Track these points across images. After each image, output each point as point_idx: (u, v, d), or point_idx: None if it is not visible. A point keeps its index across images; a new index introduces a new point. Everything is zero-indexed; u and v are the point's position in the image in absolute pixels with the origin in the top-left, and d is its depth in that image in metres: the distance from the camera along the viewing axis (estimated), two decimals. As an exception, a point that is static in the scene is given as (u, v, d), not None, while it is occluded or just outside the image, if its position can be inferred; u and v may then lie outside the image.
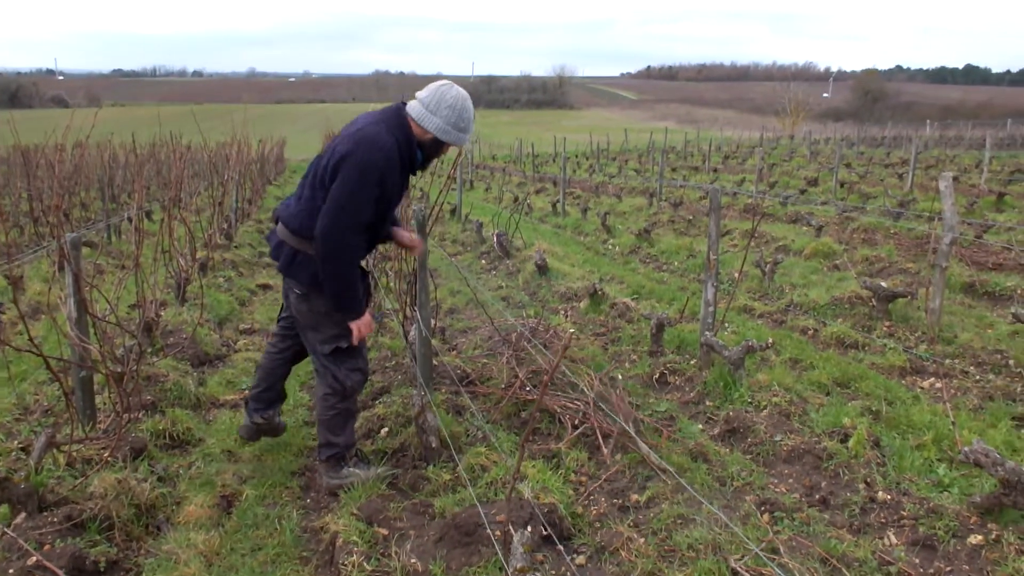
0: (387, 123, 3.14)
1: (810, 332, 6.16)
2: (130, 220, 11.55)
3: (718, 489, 3.53)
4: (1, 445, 3.91)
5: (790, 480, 3.60)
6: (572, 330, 5.94)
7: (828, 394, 4.67)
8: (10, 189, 14.32)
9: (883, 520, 3.19)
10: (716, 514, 3.06)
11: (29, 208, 11.09)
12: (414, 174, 3.41)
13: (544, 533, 2.98)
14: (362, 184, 3.05)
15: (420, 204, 4.16)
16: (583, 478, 3.68)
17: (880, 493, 3.36)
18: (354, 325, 3.31)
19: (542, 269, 8.04)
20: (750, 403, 4.38)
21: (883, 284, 6.27)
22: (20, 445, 3.91)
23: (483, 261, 9.75)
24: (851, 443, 3.76)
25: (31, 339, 3.05)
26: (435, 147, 3.27)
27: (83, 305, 3.58)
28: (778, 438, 3.90)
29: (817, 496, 3.42)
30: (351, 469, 3.52)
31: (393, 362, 5.29)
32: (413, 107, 3.18)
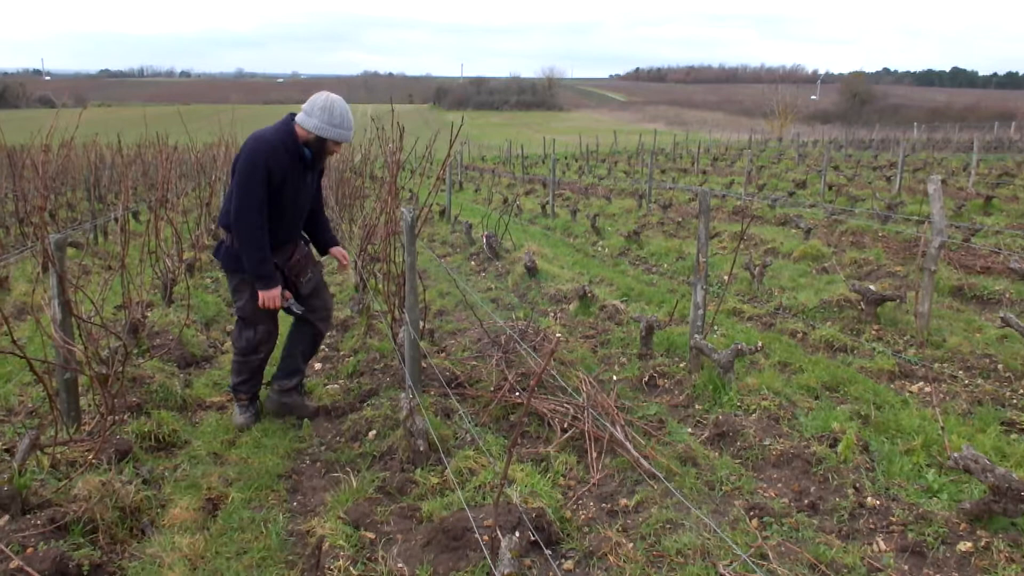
0: (274, 127, 3.88)
1: (799, 335, 6.18)
2: (116, 220, 11.47)
3: (707, 494, 3.52)
4: (-16, 448, 3.86)
5: (779, 485, 3.60)
6: (560, 333, 5.93)
7: (817, 398, 4.68)
8: (-5, 188, 14.17)
9: (872, 526, 3.19)
10: (705, 519, 3.05)
11: (15, 208, 10.99)
12: (310, 169, 4.04)
13: (532, 538, 2.96)
14: (251, 171, 3.76)
15: (409, 205, 4.13)
16: (572, 482, 3.67)
17: (869, 498, 3.36)
18: (261, 294, 3.99)
19: (532, 271, 8.03)
20: (739, 407, 4.38)
21: (872, 287, 6.29)
22: (4, 447, 3.86)
23: (472, 263, 9.72)
24: (840, 448, 3.76)
25: (14, 341, 3.01)
26: (320, 144, 3.90)
27: (67, 306, 3.54)
28: (767, 442, 3.90)
29: (806, 501, 3.41)
30: (235, 406, 4.43)
31: (381, 364, 5.26)
32: (298, 115, 3.86)
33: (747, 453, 3.87)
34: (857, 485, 3.48)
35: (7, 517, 2.86)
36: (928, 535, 3.04)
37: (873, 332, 6.08)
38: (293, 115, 3.92)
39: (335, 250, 4.50)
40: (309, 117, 3.80)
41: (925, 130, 50.18)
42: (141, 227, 10.26)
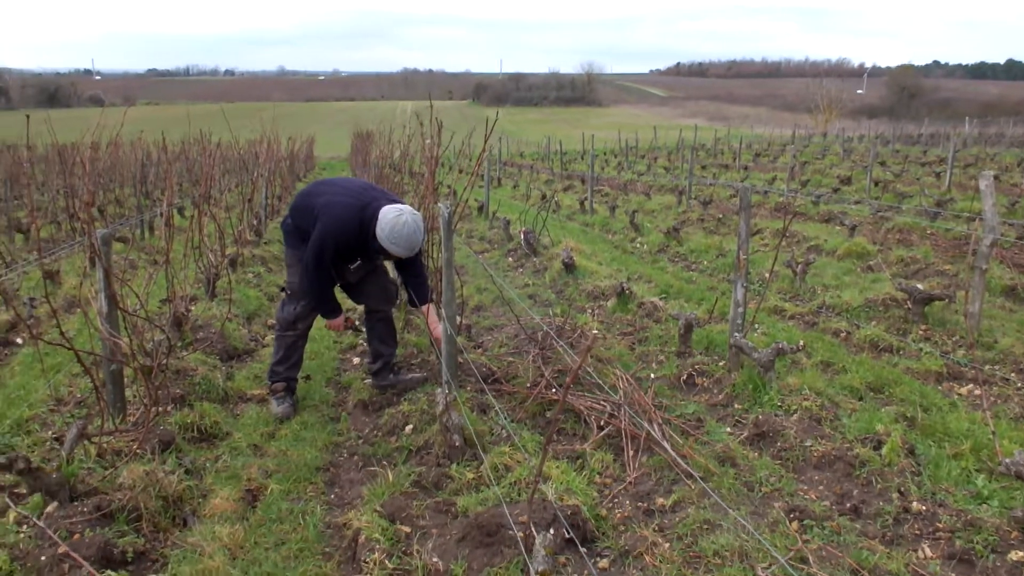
0: (363, 213, 4.21)
1: (843, 335, 6.05)
2: (162, 216, 11.73)
3: (746, 494, 3.46)
4: (36, 435, 3.98)
5: (820, 487, 3.52)
6: (597, 330, 5.89)
7: (861, 399, 4.57)
8: (48, 186, 14.61)
9: (917, 532, 3.10)
10: (743, 521, 3.00)
11: (66, 204, 11.31)
12: (370, 259, 4.49)
13: (567, 536, 2.95)
14: (332, 225, 4.21)
15: (447, 201, 4.14)
16: (608, 480, 3.64)
17: (915, 503, 3.26)
18: (327, 322, 4.60)
19: (569, 267, 7.99)
20: (780, 407, 4.30)
21: (919, 286, 6.12)
22: (54, 436, 3.98)
23: (510, 259, 9.72)
24: (884, 450, 3.66)
25: (62, 333, 3.09)
26: (382, 248, 4.23)
27: (113, 300, 3.62)
28: (808, 443, 3.82)
29: (848, 504, 3.34)
30: (271, 398, 4.63)
31: (419, 359, 5.29)
32: (381, 216, 4.15)
33: (787, 454, 3.80)
34: (902, 489, 3.39)
35: (55, 504, 2.94)
36: (977, 543, 2.95)
37: (920, 332, 5.92)
38: (380, 209, 4.20)
39: (425, 307, 4.73)
40: (381, 226, 4.13)
41: (977, 125, 48.69)
42: (185, 222, 10.47)
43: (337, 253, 4.30)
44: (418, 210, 4.56)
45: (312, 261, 4.25)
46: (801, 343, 4.70)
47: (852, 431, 3.97)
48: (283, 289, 4.72)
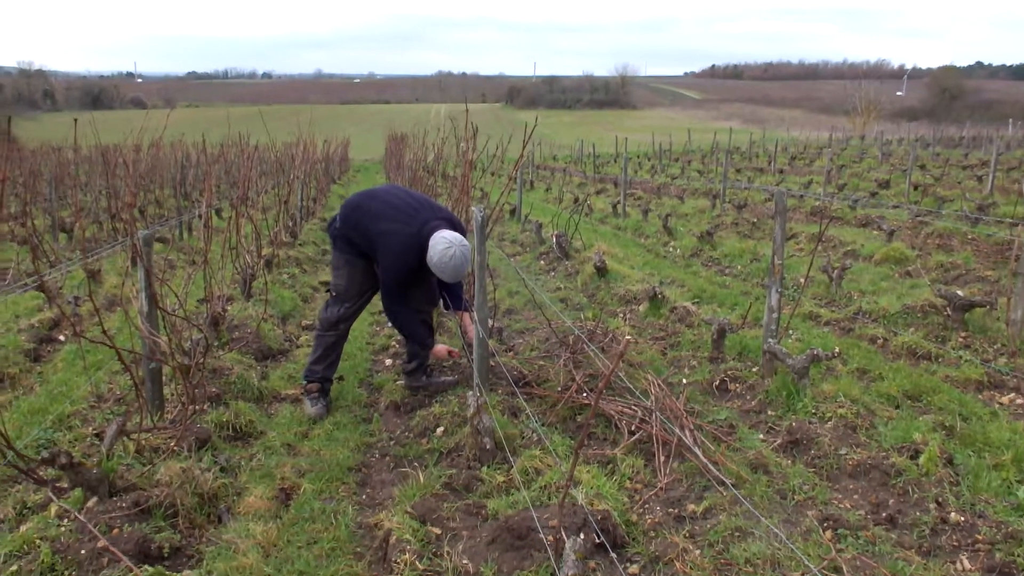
0: (419, 238, 4.31)
1: (879, 341, 5.94)
2: (200, 217, 11.96)
3: (779, 502, 3.42)
4: (77, 431, 4.08)
5: (855, 496, 3.47)
6: (629, 336, 5.86)
7: (898, 407, 4.49)
8: (91, 187, 14.98)
9: (955, 543, 3.04)
10: (775, 529, 2.97)
11: (108, 205, 11.58)
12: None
13: (597, 541, 2.94)
14: (396, 260, 4.37)
15: (480, 204, 4.16)
16: (638, 485, 3.63)
17: (953, 514, 3.20)
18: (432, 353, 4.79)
19: (601, 271, 7.97)
20: (814, 414, 4.24)
21: (959, 292, 5.99)
22: (94, 431, 4.08)
23: (542, 262, 9.73)
24: (922, 460, 3.59)
25: (104, 331, 3.16)
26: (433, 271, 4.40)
27: (153, 300, 3.70)
28: (843, 451, 3.76)
29: (884, 514, 3.28)
30: (305, 398, 4.71)
31: (450, 362, 5.31)
32: (433, 243, 4.25)
33: (821, 462, 3.74)
34: (940, 500, 3.32)
35: (95, 499, 3.01)
36: (1018, 556, 2.88)
37: (960, 340, 5.79)
38: (435, 232, 4.31)
39: (462, 313, 4.87)
40: (431, 253, 4.25)
41: (1021, 127, 47.46)
42: (223, 223, 10.65)
43: (408, 270, 4.47)
44: (452, 211, 4.60)
45: (391, 302, 4.49)
46: (836, 350, 4.63)
47: (888, 440, 3.90)
48: (328, 290, 4.81)
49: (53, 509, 3.06)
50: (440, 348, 4.74)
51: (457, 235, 4.29)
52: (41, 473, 2.95)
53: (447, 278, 4.33)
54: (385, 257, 4.38)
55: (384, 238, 4.36)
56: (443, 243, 4.21)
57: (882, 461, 3.63)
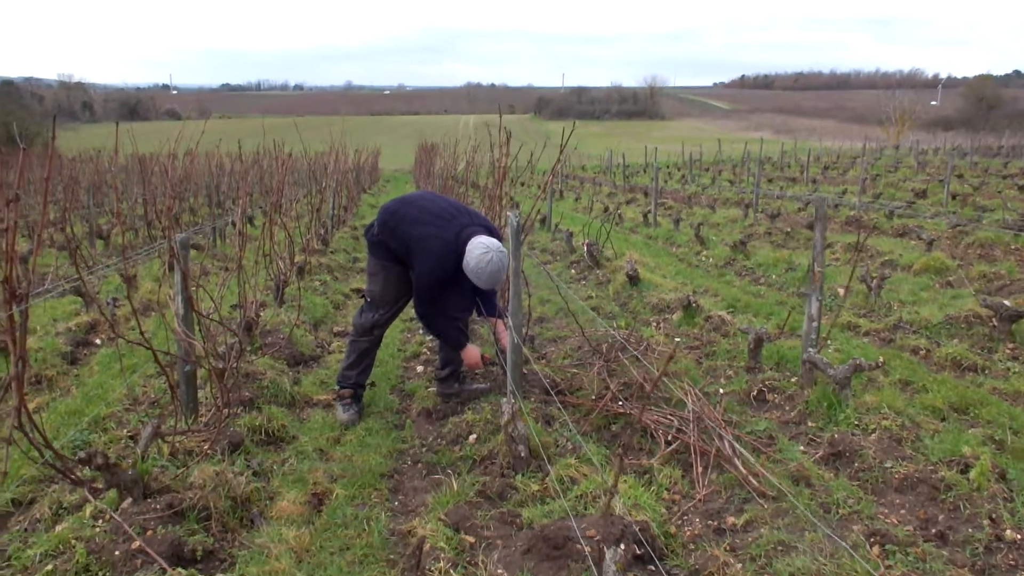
0: (457, 243, 4.27)
1: (922, 352, 5.78)
2: (234, 224, 12.08)
3: (822, 516, 3.32)
4: (112, 433, 4.10)
5: (902, 511, 3.35)
6: (664, 343, 5.76)
7: (943, 419, 4.34)
8: (127, 194, 15.24)
9: (1012, 562, 2.91)
10: (821, 542, 2.87)
11: (144, 212, 11.76)
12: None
13: (636, 552, 2.87)
14: (432, 264, 4.32)
15: (515, 211, 4.12)
16: (676, 496, 3.54)
17: (1008, 531, 3.07)
18: (464, 358, 4.70)
19: (633, 279, 7.88)
20: (856, 425, 4.12)
21: (1006, 302, 5.82)
22: (128, 434, 4.09)
23: (572, 271, 9.66)
24: (973, 474, 3.46)
25: (142, 333, 3.17)
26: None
27: (190, 302, 3.71)
28: (889, 464, 3.64)
29: (934, 530, 3.16)
30: (338, 404, 4.68)
31: (482, 369, 5.27)
32: (469, 248, 4.21)
33: (866, 475, 3.63)
34: (993, 516, 3.19)
35: (130, 500, 3.01)
36: (1079, 576, 2.75)
37: (1007, 351, 5.61)
38: (471, 237, 4.29)
39: (496, 320, 4.83)
40: (468, 259, 4.21)
41: (1063, 136, 46.34)
42: (256, 231, 10.75)
43: (445, 276, 4.45)
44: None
45: (425, 307, 4.44)
46: (880, 360, 4.50)
47: (936, 453, 3.77)
48: (362, 296, 4.80)
49: (88, 510, 3.06)
50: (473, 351, 4.67)
51: (494, 241, 4.23)
52: (78, 473, 2.95)
53: (483, 284, 4.27)
54: (422, 262, 4.34)
55: (421, 243, 4.32)
56: (480, 248, 4.17)
57: (930, 475, 3.51)
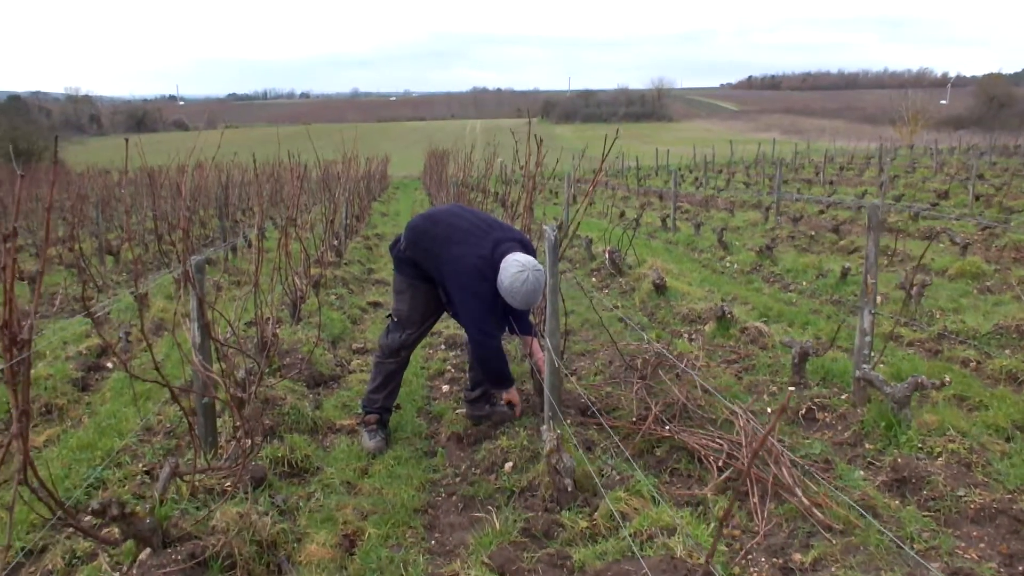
0: (492, 260, 4.02)
1: (972, 364, 5.48)
2: (246, 238, 11.87)
3: (896, 552, 3.04)
4: (126, 468, 3.87)
5: (981, 545, 3.07)
6: (700, 358, 5.50)
7: (1009, 439, 4.05)
8: (137, 208, 15.07)
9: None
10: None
11: (154, 226, 11.56)
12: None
13: (704, 602, 2.60)
14: (470, 285, 4.07)
15: (552, 225, 3.87)
16: (735, 531, 3.27)
17: (1108, 571, 2.79)
18: (504, 395, 4.56)
19: (660, 288, 7.61)
20: (920, 448, 3.84)
21: (1060, 311, 5.52)
22: (144, 468, 3.87)
23: (594, 279, 9.40)
24: (1059, 504, 3.18)
25: (157, 367, 2.93)
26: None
27: (207, 330, 3.47)
28: (961, 493, 3.36)
29: (1021, 568, 2.89)
30: (363, 431, 4.43)
31: (519, 417, 5.00)
32: (504, 265, 3.97)
33: (937, 504, 3.35)
34: (1088, 553, 2.91)
35: (148, 550, 2.76)
36: None
37: (1065, 362, 5.31)
38: (506, 255, 4.05)
39: (531, 340, 4.58)
40: (502, 277, 3.97)
41: (1078, 133, 45.72)
42: (270, 244, 10.54)
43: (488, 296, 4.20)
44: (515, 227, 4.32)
45: (484, 334, 4.17)
46: (947, 378, 4.21)
47: (1011, 479, 3.49)
48: (389, 315, 4.55)
49: (104, 561, 2.81)
50: (516, 394, 4.48)
51: (530, 258, 3.97)
52: (91, 522, 2.71)
53: (518, 304, 4.01)
54: (462, 287, 4.07)
55: (456, 263, 4.06)
56: (515, 267, 3.91)
57: (1010, 506, 3.24)
